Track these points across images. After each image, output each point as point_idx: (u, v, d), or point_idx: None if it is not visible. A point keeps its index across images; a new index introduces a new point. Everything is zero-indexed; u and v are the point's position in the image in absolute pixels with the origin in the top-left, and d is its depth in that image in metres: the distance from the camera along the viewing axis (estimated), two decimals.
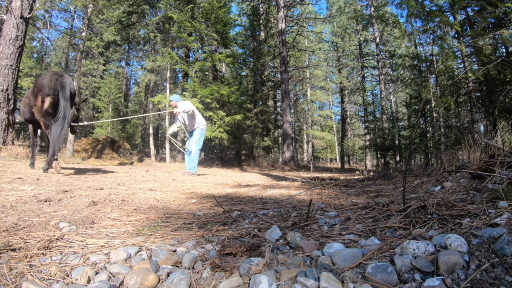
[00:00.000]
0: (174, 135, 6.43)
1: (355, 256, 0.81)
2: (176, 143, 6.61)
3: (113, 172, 5.34)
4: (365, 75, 20.07)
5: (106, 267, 0.87)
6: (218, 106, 11.33)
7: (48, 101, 3.87)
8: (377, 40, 16.46)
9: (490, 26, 8.19)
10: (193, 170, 5.60)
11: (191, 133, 5.78)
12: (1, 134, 6.57)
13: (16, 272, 0.81)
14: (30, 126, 4.78)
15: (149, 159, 13.25)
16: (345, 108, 22.25)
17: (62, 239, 1.10)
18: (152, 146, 14.47)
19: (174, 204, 1.98)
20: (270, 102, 18.95)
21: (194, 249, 0.99)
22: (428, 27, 8.66)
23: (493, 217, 1.02)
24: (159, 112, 10.06)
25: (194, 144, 5.66)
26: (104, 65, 19.04)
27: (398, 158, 14.30)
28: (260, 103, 16.48)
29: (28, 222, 1.31)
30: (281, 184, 3.73)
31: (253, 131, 14.65)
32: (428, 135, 12.62)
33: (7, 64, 6.65)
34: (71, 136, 12.33)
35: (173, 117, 6.04)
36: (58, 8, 13.38)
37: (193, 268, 0.85)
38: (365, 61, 19.89)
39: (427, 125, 12.73)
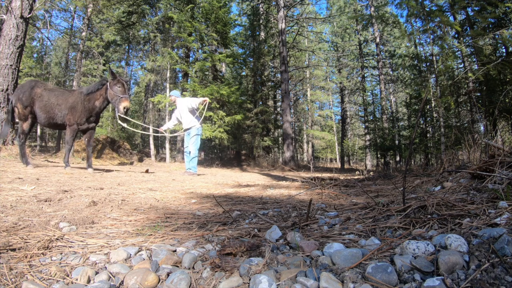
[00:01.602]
0: (169, 132, 6.43)
1: (355, 256, 0.81)
2: (164, 132, 6.40)
3: (113, 172, 5.34)
4: (365, 75, 20.07)
5: (106, 267, 0.87)
6: (218, 106, 11.34)
7: None
8: (377, 40, 16.46)
9: (490, 26, 8.19)
10: (192, 170, 5.60)
11: (188, 133, 5.77)
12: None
13: (16, 272, 0.81)
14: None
15: (149, 159, 13.25)
16: (345, 108, 22.25)
17: (62, 239, 1.10)
18: (152, 146, 14.47)
19: (174, 204, 1.98)
20: (270, 102, 18.95)
21: (194, 249, 0.99)
22: (428, 27, 8.66)
23: (493, 217, 1.02)
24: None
25: (192, 144, 5.66)
26: (104, 65, 19.04)
27: (398, 158, 14.30)
28: (260, 103, 16.49)
29: (28, 222, 1.31)
30: (281, 184, 3.73)
31: (253, 131, 14.66)
32: (428, 135, 12.62)
33: (7, 64, 6.65)
34: None
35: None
36: (58, 8, 13.38)
37: (193, 268, 0.85)
38: (365, 61, 19.89)
39: (427, 125, 12.73)
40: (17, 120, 4.81)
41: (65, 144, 4.89)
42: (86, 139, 4.98)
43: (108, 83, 4.69)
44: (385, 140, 14.06)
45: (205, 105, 5.78)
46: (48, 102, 4.68)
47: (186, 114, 5.69)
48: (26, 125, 4.80)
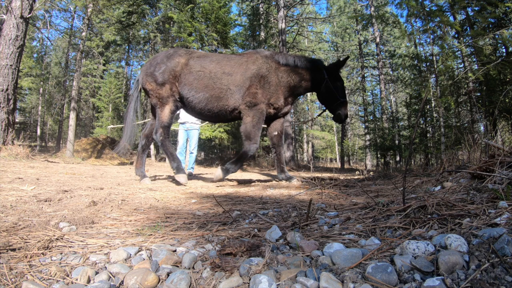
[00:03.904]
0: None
1: (355, 256, 0.81)
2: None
3: (113, 172, 5.34)
4: (365, 75, 20.07)
5: (106, 267, 0.87)
6: None
7: None
8: (377, 40, 16.45)
9: (490, 26, 8.19)
10: (192, 170, 5.68)
11: (186, 132, 5.77)
12: (1, 134, 6.57)
13: (16, 272, 0.80)
14: None
15: (149, 159, 13.24)
16: None
17: (62, 239, 1.10)
18: (152, 146, 14.46)
19: (174, 204, 1.98)
20: None
21: (194, 249, 0.99)
22: (428, 27, 8.66)
23: (493, 217, 1.02)
24: None
25: (196, 144, 5.74)
26: (104, 65, 19.04)
27: (398, 158, 14.29)
28: None
29: (28, 222, 1.31)
30: (281, 184, 3.72)
31: None
32: (428, 135, 12.62)
33: (7, 64, 6.65)
34: (71, 136, 12.35)
35: None
36: (58, 8, 13.36)
37: (193, 268, 0.85)
38: (365, 61, 19.88)
39: (427, 125, 12.73)
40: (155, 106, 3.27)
41: (246, 144, 3.06)
42: (275, 133, 3.25)
43: (324, 71, 3.18)
44: (385, 140, 14.05)
45: None
46: (203, 72, 3.09)
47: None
48: (167, 113, 3.08)
